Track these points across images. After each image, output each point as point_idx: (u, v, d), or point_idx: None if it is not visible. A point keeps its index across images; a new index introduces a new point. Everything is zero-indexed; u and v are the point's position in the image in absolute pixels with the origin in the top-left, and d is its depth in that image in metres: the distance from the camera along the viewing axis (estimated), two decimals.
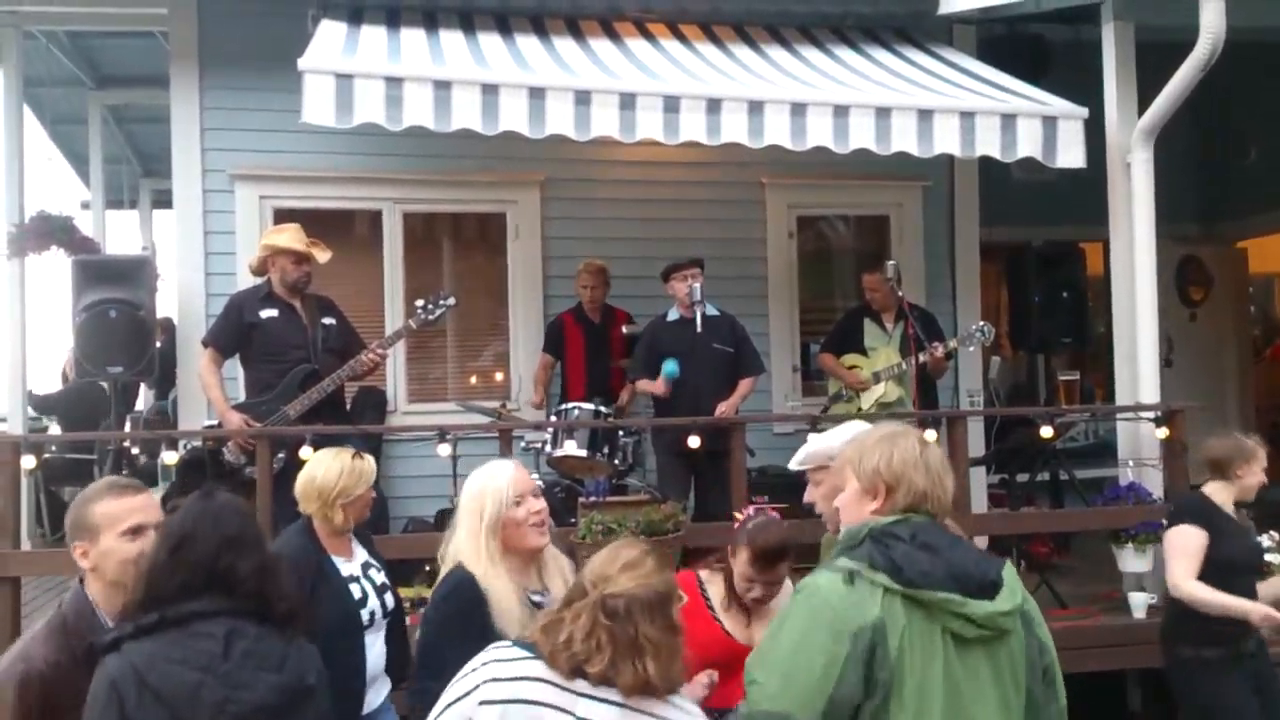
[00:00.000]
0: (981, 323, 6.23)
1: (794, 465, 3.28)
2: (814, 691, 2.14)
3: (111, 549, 2.60)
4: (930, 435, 5.65)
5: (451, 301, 5.72)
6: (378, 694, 3.60)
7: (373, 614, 3.56)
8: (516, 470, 3.10)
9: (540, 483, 6.12)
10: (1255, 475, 4.36)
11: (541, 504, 3.06)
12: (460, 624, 2.90)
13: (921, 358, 6.07)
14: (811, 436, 3.21)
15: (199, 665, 2.28)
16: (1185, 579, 4.20)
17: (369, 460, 3.68)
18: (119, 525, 2.62)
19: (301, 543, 3.57)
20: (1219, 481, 4.39)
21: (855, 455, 2.46)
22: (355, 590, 3.56)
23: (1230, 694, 4.22)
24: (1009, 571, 2.34)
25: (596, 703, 2.16)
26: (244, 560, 2.41)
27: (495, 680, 2.21)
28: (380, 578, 3.68)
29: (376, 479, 3.75)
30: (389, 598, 3.67)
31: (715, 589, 3.47)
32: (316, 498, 3.56)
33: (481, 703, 2.20)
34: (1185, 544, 4.26)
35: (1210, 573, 4.19)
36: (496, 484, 3.03)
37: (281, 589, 2.48)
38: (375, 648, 3.58)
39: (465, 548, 3.00)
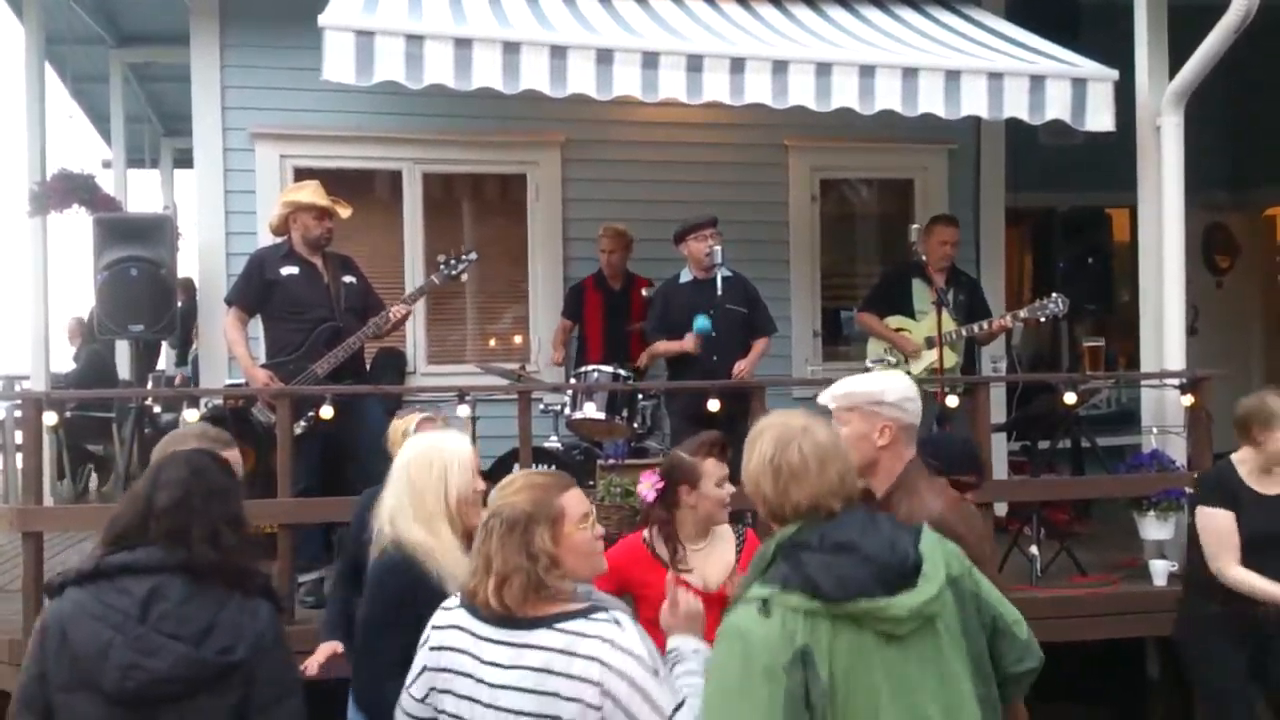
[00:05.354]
0: (1056, 295, 6.04)
1: (823, 400, 3.05)
2: None
3: None
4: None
5: (474, 256, 5.70)
6: None
7: None
8: (470, 446, 3.03)
9: (560, 444, 6.20)
10: (1276, 443, 4.05)
11: (481, 483, 2.96)
12: (397, 608, 2.79)
13: (977, 327, 6.02)
14: (848, 377, 3.09)
15: (112, 623, 2.18)
16: (1230, 566, 4.06)
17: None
18: None
19: None
20: (1245, 447, 4.16)
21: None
22: None
23: (1220, 653, 4.14)
24: (926, 540, 2.18)
25: (493, 645, 2.24)
26: (161, 493, 2.32)
27: (434, 628, 2.39)
28: None
29: None
30: None
31: (659, 545, 3.43)
32: None
33: (431, 648, 2.37)
34: (1215, 527, 4.11)
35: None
36: (461, 458, 2.93)
37: (215, 536, 2.30)
38: None
39: (413, 518, 2.87)
